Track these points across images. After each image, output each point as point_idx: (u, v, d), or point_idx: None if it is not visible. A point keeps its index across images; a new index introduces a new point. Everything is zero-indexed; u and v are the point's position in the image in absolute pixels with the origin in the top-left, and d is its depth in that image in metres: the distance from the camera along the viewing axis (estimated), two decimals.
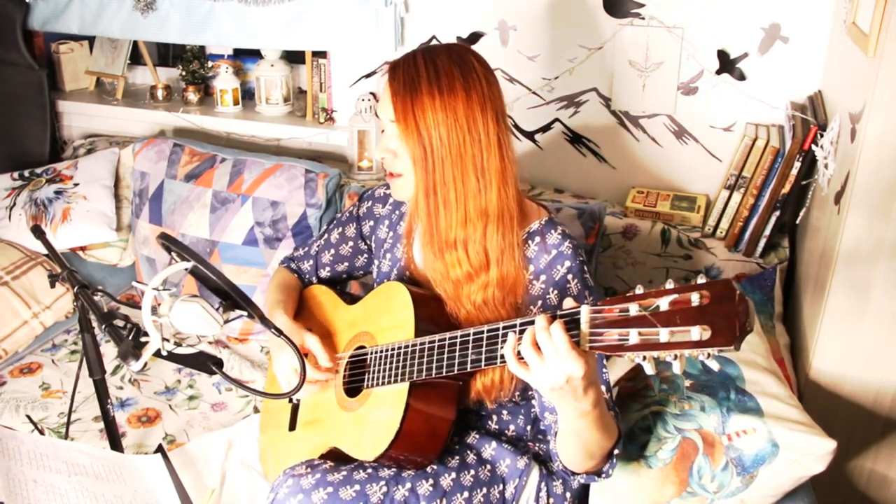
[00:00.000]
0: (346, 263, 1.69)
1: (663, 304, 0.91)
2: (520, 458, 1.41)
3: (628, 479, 1.39)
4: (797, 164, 1.83)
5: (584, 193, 2.29)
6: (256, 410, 1.94)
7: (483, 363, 1.20)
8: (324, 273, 1.71)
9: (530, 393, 1.46)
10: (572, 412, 1.14)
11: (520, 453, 1.42)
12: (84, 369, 1.61)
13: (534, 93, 2.25)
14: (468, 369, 1.22)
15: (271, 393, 1.49)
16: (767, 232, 1.92)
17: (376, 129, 2.36)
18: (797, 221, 1.92)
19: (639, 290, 0.97)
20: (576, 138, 2.26)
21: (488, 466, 1.41)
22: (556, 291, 1.34)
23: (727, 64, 2.04)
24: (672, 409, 1.42)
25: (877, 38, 1.40)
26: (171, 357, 1.26)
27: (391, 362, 1.35)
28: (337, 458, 1.39)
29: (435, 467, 1.36)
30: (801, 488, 1.34)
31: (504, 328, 1.16)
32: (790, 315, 1.88)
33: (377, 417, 1.35)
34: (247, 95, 2.75)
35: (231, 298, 1.25)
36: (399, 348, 1.34)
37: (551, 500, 1.41)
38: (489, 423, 1.47)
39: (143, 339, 1.27)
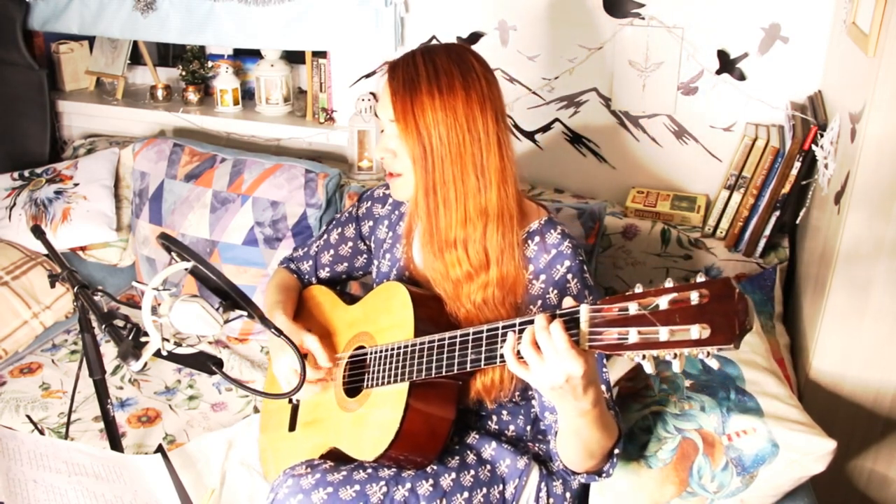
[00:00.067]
0: (345, 264, 1.69)
1: (662, 302, 0.91)
2: (520, 459, 1.41)
3: (628, 479, 1.39)
4: (797, 164, 1.83)
5: (584, 193, 2.29)
6: (256, 410, 1.94)
7: (483, 363, 1.20)
8: (323, 273, 1.71)
9: (530, 393, 1.46)
10: (572, 411, 1.14)
11: (520, 453, 1.42)
12: (84, 369, 1.61)
13: (534, 93, 2.25)
14: (468, 369, 1.22)
15: (271, 393, 1.49)
16: (767, 232, 1.92)
17: (376, 129, 2.36)
18: (797, 221, 1.92)
19: (638, 289, 0.97)
20: (576, 138, 2.26)
21: (488, 466, 1.41)
22: (555, 291, 1.34)
23: (727, 64, 2.04)
24: (672, 409, 1.42)
25: (877, 38, 1.40)
26: (171, 357, 1.26)
27: (391, 362, 1.35)
28: (337, 458, 1.39)
29: (435, 467, 1.36)
30: (801, 488, 1.34)
31: (503, 328, 1.16)
32: (790, 315, 1.88)
33: (377, 417, 1.35)
34: (247, 95, 2.75)
35: (231, 298, 1.25)
36: (399, 348, 1.34)
37: (551, 500, 1.41)
38: (489, 423, 1.47)
39: (143, 339, 1.27)
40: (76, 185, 2.43)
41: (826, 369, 1.60)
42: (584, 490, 1.47)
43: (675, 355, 0.90)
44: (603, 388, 1.28)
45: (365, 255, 1.68)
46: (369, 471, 1.33)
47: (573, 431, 1.20)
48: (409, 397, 1.30)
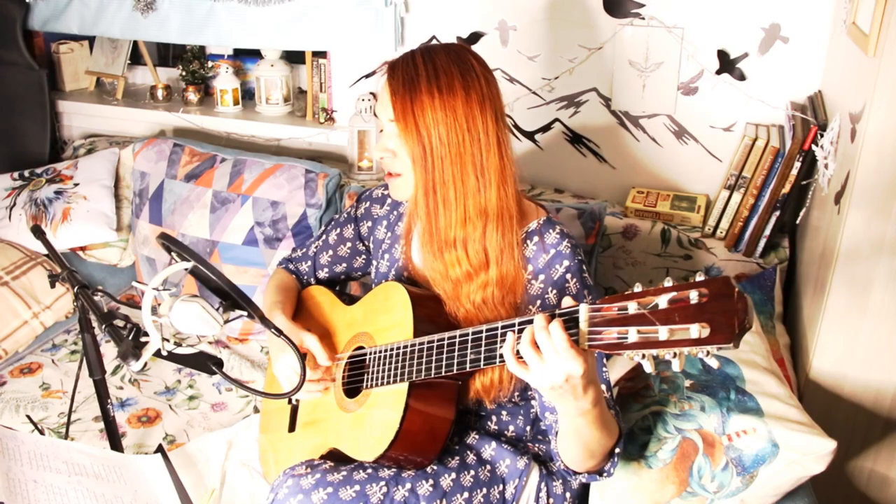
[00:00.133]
0: (344, 264, 1.69)
1: (662, 302, 0.91)
2: (519, 459, 1.41)
3: (628, 479, 1.39)
4: (797, 164, 1.83)
5: (584, 193, 2.29)
6: (256, 410, 1.94)
7: (482, 363, 1.20)
8: (322, 274, 1.71)
9: (529, 393, 1.46)
10: (572, 411, 1.14)
11: (519, 454, 1.42)
12: (84, 369, 1.61)
13: (534, 93, 2.25)
14: (467, 369, 1.22)
15: (271, 393, 1.49)
16: (767, 232, 1.92)
17: (376, 129, 2.36)
18: (797, 221, 1.92)
19: (637, 288, 0.96)
20: (576, 138, 2.26)
21: (488, 467, 1.40)
22: (554, 291, 1.34)
23: (727, 64, 2.04)
24: (672, 409, 1.42)
25: (877, 38, 1.40)
26: (171, 357, 1.26)
27: (390, 362, 1.34)
28: (337, 458, 1.39)
29: (435, 468, 1.36)
30: (801, 488, 1.34)
31: (503, 328, 1.16)
32: (790, 315, 1.88)
33: (377, 418, 1.35)
34: (247, 95, 2.75)
35: (231, 298, 1.25)
36: (398, 348, 1.34)
37: (551, 501, 1.41)
38: (489, 423, 1.47)
39: (143, 339, 1.27)
40: (76, 185, 2.43)
41: (826, 369, 1.60)
42: (584, 490, 1.47)
43: (675, 354, 0.90)
44: (603, 387, 1.28)
45: (364, 256, 1.68)
46: (369, 471, 1.33)
47: (573, 431, 1.20)
48: (408, 397, 1.30)
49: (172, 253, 1.30)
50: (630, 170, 2.23)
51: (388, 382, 1.34)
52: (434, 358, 1.26)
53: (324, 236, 1.70)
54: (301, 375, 1.27)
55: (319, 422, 1.49)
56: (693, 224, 2.05)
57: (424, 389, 1.31)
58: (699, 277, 0.91)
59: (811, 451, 1.27)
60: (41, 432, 1.79)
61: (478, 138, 1.29)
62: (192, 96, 2.70)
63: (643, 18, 2.06)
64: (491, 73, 1.34)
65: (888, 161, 1.41)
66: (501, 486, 1.39)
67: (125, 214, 2.48)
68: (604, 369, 1.31)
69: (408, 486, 1.31)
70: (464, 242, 1.32)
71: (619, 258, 2.05)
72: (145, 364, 1.26)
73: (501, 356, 1.14)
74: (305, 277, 1.73)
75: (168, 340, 1.24)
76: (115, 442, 1.65)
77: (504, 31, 2.22)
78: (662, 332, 0.90)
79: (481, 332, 1.20)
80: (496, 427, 1.47)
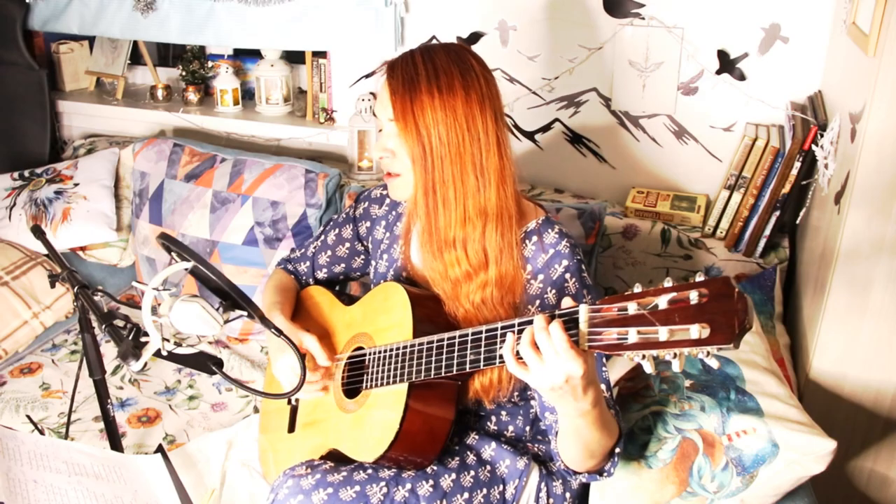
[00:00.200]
0: (342, 265, 1.69)
1: (662, 302, 0.91)
2: (519, 459, 1.41)
3: (628, 479, 1.39)
4: (797, 164, 1.83)
5: (584, 193, 2.29)
6: (256, 410, 1.94)
7: (482, 363, 1.20)
8: (321, 274, 1.71)
9: (529, 393, 1.46)
10: (572, 412, 1.14)
11: (519, 454, 1.42)
12: (84, 369, 1.61)
13: (534, 93, 2.25)
14: (467, 370, 1.22)
15: (271, 393, 1.49)
16: (767, 232, 1.92)
17: (376, 129, 2.36)
18: (797, 221, 1.92)
19: (637, 288, 0.96)
20: (576, 138, 2.26)
21: (488, 467, 1.40)
22: (554, 291, 1.34)
23: (727, 64, 2.04)
24: (672, 409, 1.42)
25: (877, 38, 1.40)
26: (171, 357, 1.26)
27: (390, 363, 1.34)
28: (337, 458, 1.39)
29: (435, 468, 1.36)
30: (801, 488, 1.34)
31: (503, 328, 1.16)
32: (790, 315, 1.88)
33: (376, 418, 1.35)
34: (247, 95, 2.75)
35: (231, 298, 1.25)
36: (397, 349, 1.34)
37: (551, 501, 1.41)
38: (488, 423, 1.47)
39: (143, 339, 1.27)
40: (76, 185, 2.43)
41: (826, 369, 1.60)
42: (584, 490, 1.47)
43: (675, 355, 0.90)
44: (603, 387, 1.28)
45: (362, 256, 1.68)
46: (369, 471, 1.33)
47: (574, 431, 1.20)
48: (408, 398, 1.30)
49: (172, 253, 1.30)
50: (630, 170, 2.23)
51: (388, 383, 1.34)
52: (434, 358, 1.26)
53: (322, 237, 1.70)
54: (301, 376, 1.27)
55: (319, 422, 1.49)
56: (693, 224, 2.05)
57: (424, 390, 1.31)
58: (699, 278, 0.91)
59: (811, 451, 1.27)
60: (41, 432, 1.79)
61: (477, 138, 1.29)
62: (192, 96, 2.70)
63: (643, 18, 2.06)
64: (490, 73, 1.34)
65: (888, 161, 1.41)
66: (501, 487, 1.39)
67: (125, 214, 2.48)
68: (603, 369, 1.31)
69: (408, 486, 1.31)
70: (463, 242, 1.32)
71: (619, 258, 2.05)
72: (145, 364, 1.26)
73: (501, 357, 1.14)
74: (304, 278, 1.73)
75: (168, 340, 1.24)
76: (115, 442, 1.65)
77: (504, 31, 2.22)
78: (662, 333, 0.90)
79: (481, 332, 1.20)
80: (496, 427, 1.47)
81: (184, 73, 2.71)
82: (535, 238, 1.37)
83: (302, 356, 1.30)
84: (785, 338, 1.78)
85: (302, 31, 2.36)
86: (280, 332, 1.26)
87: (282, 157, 2.30)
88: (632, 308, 0.94)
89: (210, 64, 2.73)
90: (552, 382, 1.05)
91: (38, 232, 1.79)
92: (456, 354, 1.23)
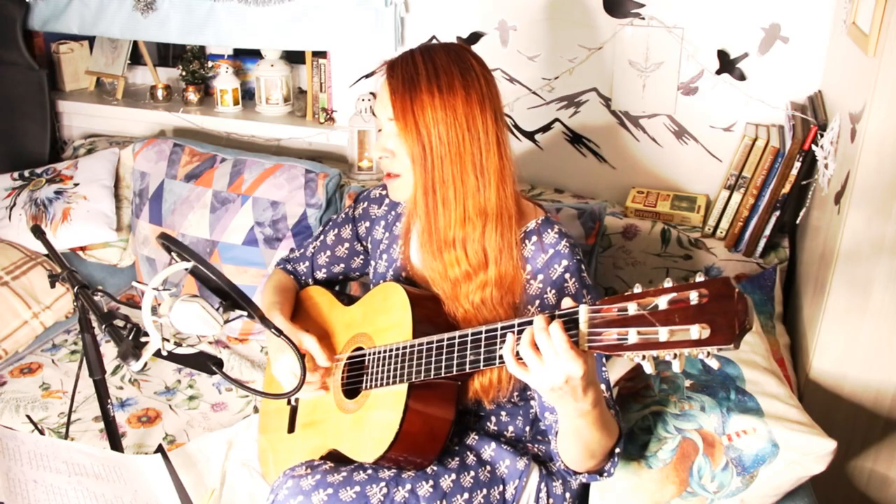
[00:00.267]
0: (342, 265, 1.69)
1: (662, 302, 0.91)
2: (519, 459, 1.41)
3: (628, 479, 1.39)
4: (797, 164, 1.83)
5: (584, 193, 2.29)
6: (256, 410, 1.94)
7: (482, 364, 1.20)
8: (320, 275, 1.71)
9: (529, 394, 1.46)
10: (572, 412, 1.14)
11: (519, 454, 1.42)
12: (84, 369, 1.61)
13: (534, 93, 2.25)
14: (467, 370, 1.22)
15: (271, 393, 1.49)
16: (767, 232, 1.92)
17: (376, 129, 2.36)
18: (797, 221, 1.92)
19: (637, 289, 0.96)
20: (576, 138, 2.26)
21: (488, 467, 1.40)
22: (553, 291, 1.34)
23: (727, 64, 2.04)
24: (672, 409, 1.42)
25: (877, 38, 1.40)
26: (171, 357, 1.26)
27: (389, 363, 1.34)
28: (337, 459, 1.39)
29: (435, 468, 1.36)
30: (801, 488, 1.34)
31: (502, 329, 1.16)
32: (790, 315, 1.88)
33: (376, 419, 1.35)
34: (247, 95, 2.75)
35: (231, 298, 1.25)
36: (397, 349, 1.34)
37: (551, 501, 1.41)
38: (488, 424, 1.47)
39: (143, 339, 1.27)
40: (76, 185, 2.43)
41: (826, 369, 1.60)
42: (584, 490, 1.47)
43: (675, 355, 0.90)
44: (603, 387, 1.28)
45: (362, 257, 1.68)
46: (369, 472, 1.32)
47: (574, 432, 1.20)
48: (408, 398, 1.30)
49: (172, 253, 1.30)
50: (630, 170, 2.23)
51: (388, 383, 1.34)
52: (433, 359, 1.26)
53: (322, 237, 1.70)
54: (301, 376, 1.27)
55: (319, 423, 1.49)
56: (693, 224, 2.05)
57: (424, 390, 1.31)
58: (699, 278, 0.91)
59: (811, 451, 1.27)
60: (41, 432, 1.79)
61: (477, 138, 1.29)
62: (192, 96, 2.70)
63: (643, 18, 2.06)
64: (490, 72, 1.34)
65: (888, 161, 1.41)
66: (501, 487, 1.39)
67: (125, 214, 2.48)
68: (603, 369, 1.31)
69: (408, 486, 1.31)
70: (463, 242, 1.32)
71: (619, 258, 2.05)
72: (145, 364, 1.26)
73: (501, 357, 1.14)
74: (303, 278, 1.73)
75: (168, 340, 1.24)
76: (115, 442, 1.65)
77: (504, 31, 2.22)
78: (662, 334, 0.90)
79: (481, 333, 1.20)
80: (496, 428, 1.47)
81: (184, 73, 2.71)
82: (534, 238, 1.37)
83: (302, 356, 1.30)
84: (785, 338, 1.78)
85: (302, 31, 2.36)
86: (280, 333, 1.26)
87: (282, 157, 2.30)
88: (632, 308, 0.94)
89: (210, 64, 2.73)
90: (552, 383, 1.05)
91: (38, 232, 1.79)
92: (456, 355, 1.23)
